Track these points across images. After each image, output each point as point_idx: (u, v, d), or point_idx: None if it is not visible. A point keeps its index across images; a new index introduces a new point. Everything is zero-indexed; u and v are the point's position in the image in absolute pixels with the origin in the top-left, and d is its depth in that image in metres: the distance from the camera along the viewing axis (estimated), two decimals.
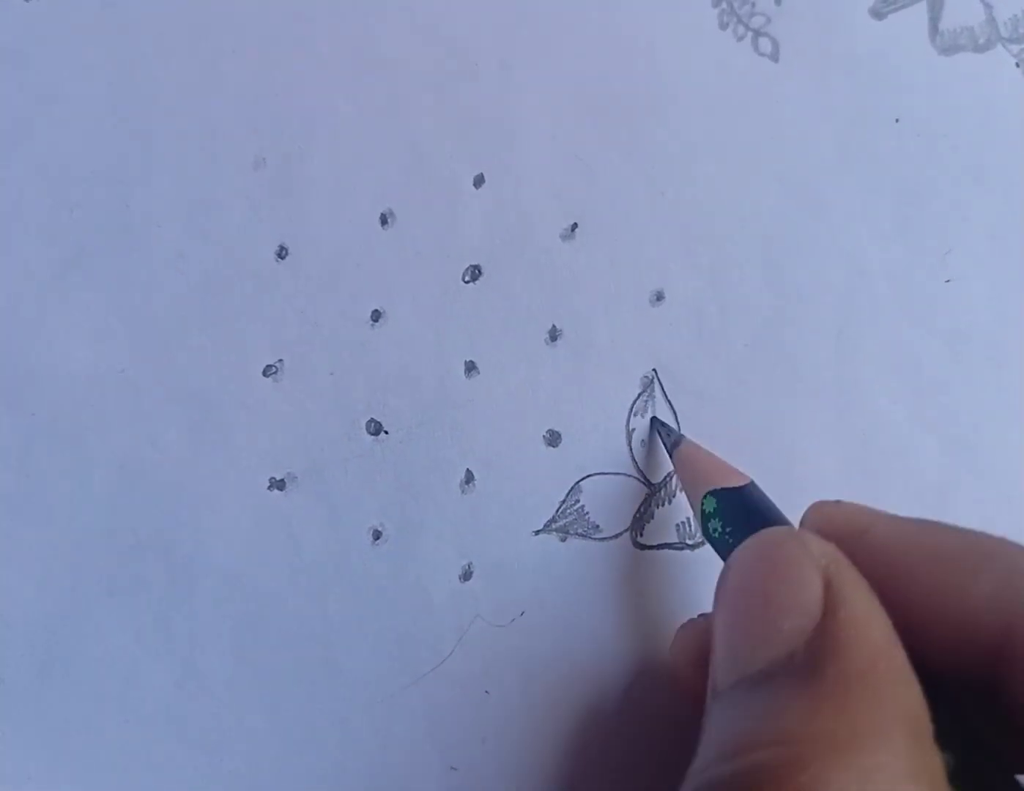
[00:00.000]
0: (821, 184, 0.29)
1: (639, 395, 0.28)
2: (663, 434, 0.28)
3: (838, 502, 0.23)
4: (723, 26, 0.29)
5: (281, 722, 0.27)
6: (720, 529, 0.24)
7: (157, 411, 0.28)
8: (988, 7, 0.30)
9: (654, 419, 0.28)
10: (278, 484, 0.27)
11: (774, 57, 0.29)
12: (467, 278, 0.28)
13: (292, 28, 0.28)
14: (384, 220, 0.28)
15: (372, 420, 0.28)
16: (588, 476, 0.28)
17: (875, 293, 0.29)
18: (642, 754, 0.27)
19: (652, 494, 0.28)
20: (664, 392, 0.28)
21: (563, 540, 0.28)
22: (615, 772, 0.27)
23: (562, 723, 0.27)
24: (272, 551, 0.27)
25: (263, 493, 0.27)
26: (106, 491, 0.27)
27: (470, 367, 0.28)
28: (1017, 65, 0.30)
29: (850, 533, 0.21)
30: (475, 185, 0.28)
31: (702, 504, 0.25)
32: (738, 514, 0.24)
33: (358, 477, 0.27)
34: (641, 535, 0.28)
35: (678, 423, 0.28)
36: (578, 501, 0.28)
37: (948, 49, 0.30)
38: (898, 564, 0.21)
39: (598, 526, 0.28)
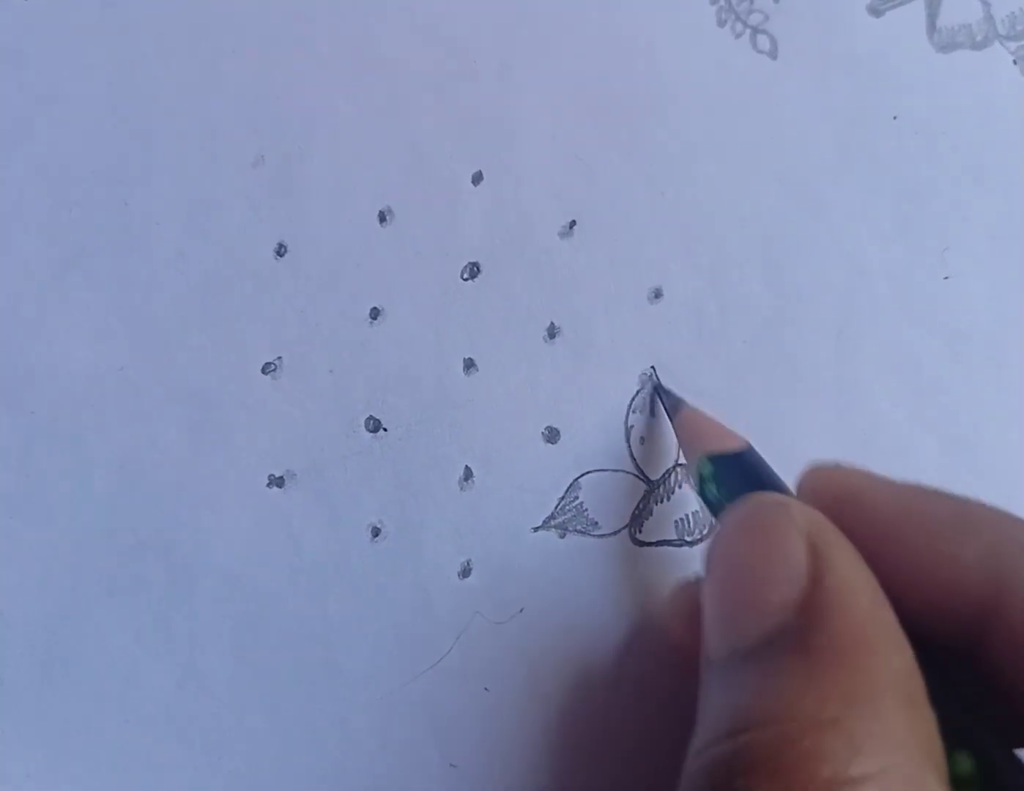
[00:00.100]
0: (820, 181, 0.29)
1: (638, 392, 0.28)
2: (664, 400, 0.28)
3: (833, 465, 0.23)
4: (721, 23, 0.29)
5: (281, 720, 0.27)
6: (716, 493, 0.24)
7: (156, 409, 0.28)
8: (986, 4, 0.30)
9: (657, 386, 0.28)
10: (277, 482, 0.27)
11: (772, 54, 0.29)
12: (466, 276, 0.28)
13: (292, 27, 0.29)
14: (383, 218, 0.28)
15: (371, 418, 0.28)
16: (587, 473, 0.28)
17: (874, 291, 0.29)
18: (642, 749, 0.27)
19: (651, 491, 0.28)
20: (663, 389, 0.28)
21: (562, 537, 0.28)
22: (615, 767, 0.27)
23: (562, 719, 0.27)
24: (271, 549, 0.27)
25: (262, 491, 0.27)
26: (106, 490, 0.27)
27: (469, 365, 0.28)
28: (1015, 62, 0.30)
29: (842, 497, 0.21)
30: (474, 183, 0.28)
31: (698, 466, 0.24)
32: (734, 478, 0.24)
33: (357, 475, 0.27)
34: (640, 532, 0.28)
35: (671, 416, 0.28)
36: (577, 498, 0.28)
37: (946, 46, 0.30)
38: (889, 528, 0.21)
39: (597, 523, 0.28)
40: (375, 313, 0.28)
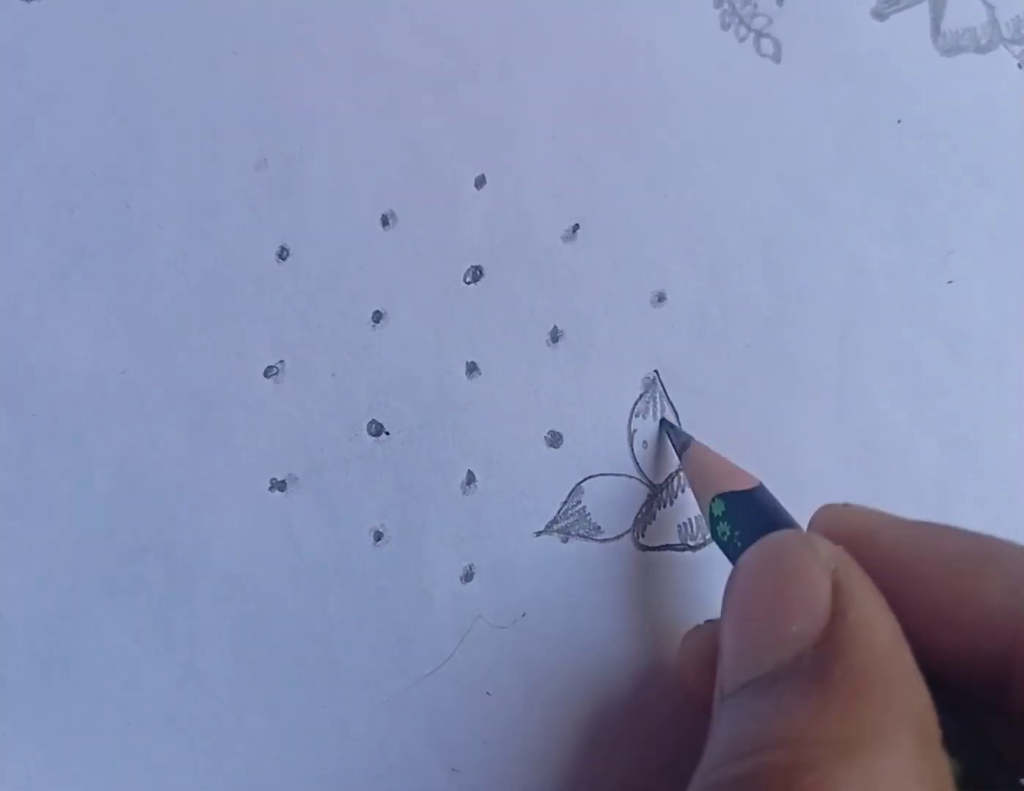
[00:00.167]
0: (822, 185, 0.29)
1: (641, 396, 0.28)
2: (672, 436, 0.28)
3: (846, 505, 0.23)
4: (725, 27, 0.29)
5: (282, 723, 0.27)
6: (729, 532, 0.24)
7: (157, 412, 0.28)
8: (990, 8, 0.30)
9: (663, 421, 0.28)
10: (279, 485, 0.27)
11: (776, 58, 0.29)
12: (468, 279, 0.28)
13: (293, 29, 0.28)
14: (385, 221, 0.28)
15: (373, 421, 0.28)
16: (589, 477, 0.28)
17: (876, 294, 0.29)
18: (644, 755, 0.27)
19: (654, 495, 0.28)
20: (666, 393, 0.28)
21: (564, 541, 0.28)
22: (617, 773, 0.27)
23: (563, 724, 0.27)
24: (273, 552, 0.27)
25: (264, 494, 0.27)
26: (106, 491, 0.27)
27: (471, 368, 0.28)
28: (1019, 66, 0.30)
29: (858, 536, 0.21)
30: (476, 186, 0.28)
31: (711, 507, 0.25)
32: (747, 517, 0.24)
33: (359, 478, 0.27)
34: (643, 536, 0.28)
35: (679, 424, 0.28)
36: (579, 502, 0.28)
37: (950, 50, 0.30)
38: (906, 568, 0.21)
39: (600, 527, 0.28)
40: (377, 316, 0.28)
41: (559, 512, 0.28)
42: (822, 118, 0.29)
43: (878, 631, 0.18)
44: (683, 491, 0.28)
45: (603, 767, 0.27)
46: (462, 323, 0.28)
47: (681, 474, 0.28)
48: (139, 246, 0.28)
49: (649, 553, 0.28)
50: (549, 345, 0.28)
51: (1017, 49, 0.30)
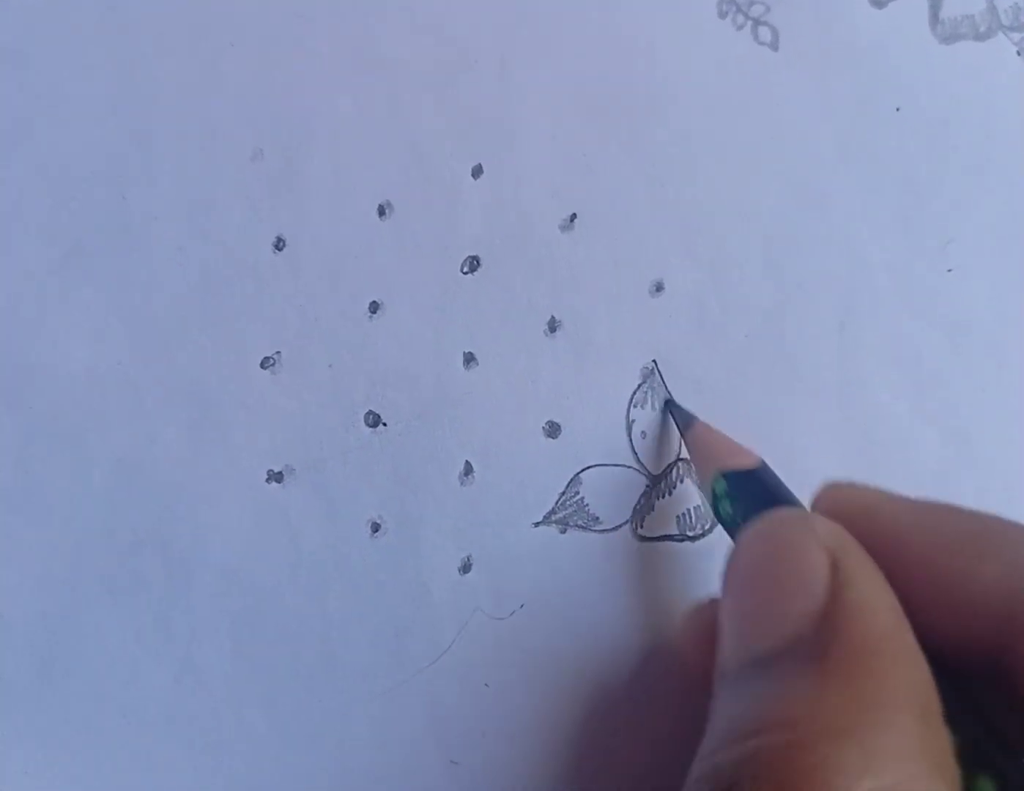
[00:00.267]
0: (821, 174, 0.29)
1: (639, 386, 0.28)
2: (675, 415, 0.28)
3: (849, 482, 0.23)
4: (722, 15, 0.29)
5: (280, 717, 0.27)
6: (731, 511, 0.24)
7: (155, 406, 0.28)
8: None
9: (668, 401, 0.28)
10: (276, 477, 0.27)
11: (774, 46, 0.29)
12: (466, 269, 0.28)
13: (291, 25, 0.29)
14: (382, 212, 0.28)
15: (371, 412, 0.28)
16: (588, 468, 0.28)
17: (875, 285, 0.29)
18: (644, 745, 0.27)
19: (652, 486, 0.28)
20: (664, 383, 0.28)
21: (563, 532, 0.28)
22: (617, 764, 0.27)
23: (563, 715, 0.27)
24: (270, 545, 0.27)
25: (261, 486, 0.27)
26: (105, 488, 0.27)
27: (469, 359, 0.28)
28: (1018, 53, 0.30)
29: (859, 514, 0.21)
30: (474, 176, 0.28)
31: (713, 485, 0.24)
32: (748, 495, 0.24)
33: (357, 470, 0.27)
34: (641, 527, 0.28)
35: (683, 433, 0.28)
36: (578, 493, 0.28)
37: (949, 38, 0.30)
38: (907, 545, 0.20)
39: (598, 518, 0.28)
40: (374, 307, 0.28)
41: (557, 503, 0.28)
42: (820, 106, 0.29)
43: (877, 609, 0.18)
44: (682, 482, 0.28)
45: (603, 757, 0.27)
46: (460, 314, 0.28)
47: (680, 464, 0.28)
48: (137, 241, 0.28)
49: (648, 544, 0.28)
50: (547, 335, 0.28)
51: (1016, 36, 0.30)
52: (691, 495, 0.28)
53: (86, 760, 0.27)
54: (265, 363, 0.28)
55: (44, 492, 0.27)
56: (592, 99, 0.29)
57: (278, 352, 0.28)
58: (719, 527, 0.27)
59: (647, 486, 0.28)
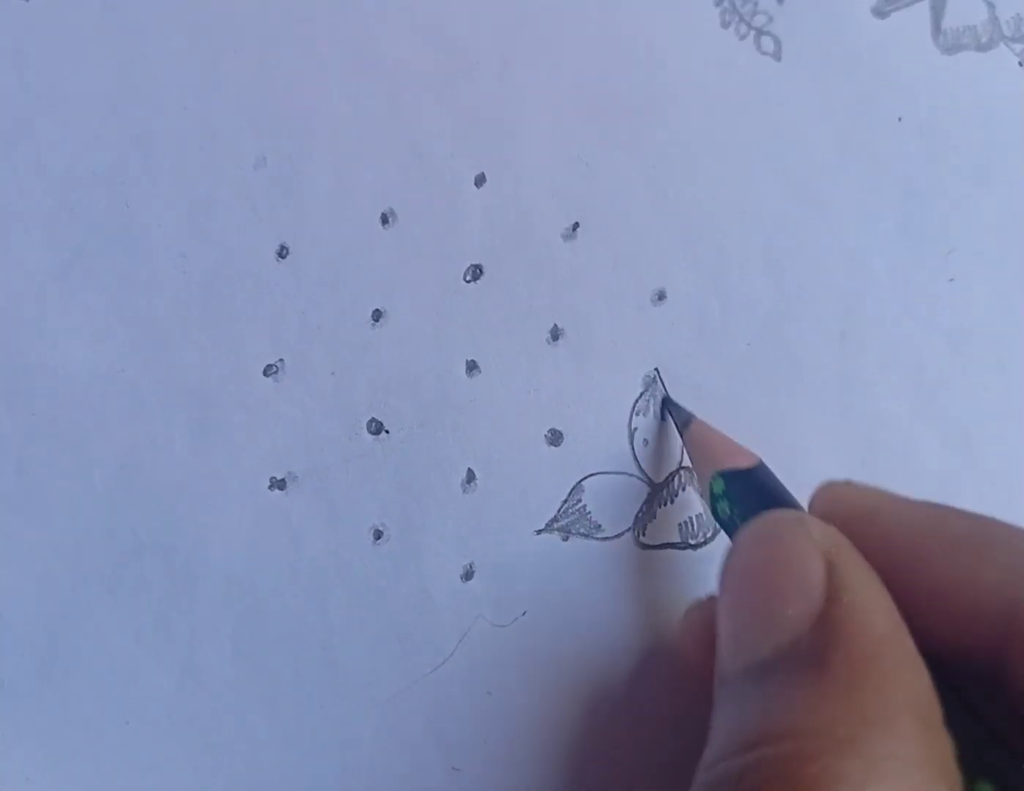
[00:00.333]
0: (823, 183, 0.29)
1: (641, 394, 0.28)
2: (673, 414, 0.28)
3: (847, 482, 0.23)
4: (725, 25, 0.29)
5: (282, 723, 0.27)
6: (729, 511, 0.24)
7: (157, 411, 0.27)
8: (991, 6, 0.30)
9: (665, 399, 0.28)
10: (279, 484, 0.27)
11: (776, 56, 0.29)
12: (468, 277, 0.28)
13: (292, 28, 0.28)
14: (385, 219, 0.28)
15: (373, 420, 0.28)
16: (590, 475, 0.28)
17: (877, 291, 0.29)
18: (646, 752, 0.27)
19: (654, 493, 0.28)
20: (666, 391, 0.28)
21: (565, 540, 0.28)
22: (618, 771, 0.27)
23: (564, 723, 0.27)
24: (272, 551, 0.27)
25: (264, 493, 0.27)
26: (106, 491, 0.27)
27: (471, 366, 0.28)
28: (1020, 64, 0.30)
29: (857, 514, 0.21)
30: (476, 184, 0.28)
31: (711, 485, 0.24)
32: (746, 495, 0.23)
33: (359, 477, 0.27)
34: (643, 534, 0.28)
35: (681, 431, 0.28)
36: (580, 500, 0.28)
37: (951, 48, 0.30)
38: (905, 547, 0.20)
39: (600, 526, 0.28)
40: (377, 315, 0.28)
41: (559, 510, 0.28)
42: (823, 116, 0.29)
43: (875, 613, 0.18)
44: (684, 489, 0.28)
45: (605, 765, 0.27)
46: (462, 321, 0.28)
47: (682, 472, 0.28)
48: (139, 246, 0.28)
49: (650, 551, 0.28)
50: (549, 343, 0.28)
51: (1018, 47, 0.30)
52: (693, 503, 0.28)
53: (87, 762, 0.27)
54: (268, 370, 0.28)
55: (45, 494, 0.27)
56: (594, 107, 0.29)
57: (281, 359, 0.28)
58: (721, 535, 0.27)
59: (649, 494, 0.28)
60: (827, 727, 0.17)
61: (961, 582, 0.20)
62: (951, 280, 0.29)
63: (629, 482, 0.28)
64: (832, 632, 0.18)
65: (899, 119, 0.29)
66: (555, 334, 0.28)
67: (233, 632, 0.27)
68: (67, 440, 0.27)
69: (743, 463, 0.24)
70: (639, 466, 0.28)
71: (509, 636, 0.27)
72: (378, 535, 0.27)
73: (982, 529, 0.20)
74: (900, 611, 0.19)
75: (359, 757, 0.27)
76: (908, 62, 0.29)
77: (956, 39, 0.30)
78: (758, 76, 0.29)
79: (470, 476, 0.28)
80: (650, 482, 0.28)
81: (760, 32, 0.29)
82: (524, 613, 0.27)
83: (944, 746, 0.17)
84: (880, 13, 0.29)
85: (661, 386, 0.28)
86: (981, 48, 0.30)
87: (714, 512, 0.25)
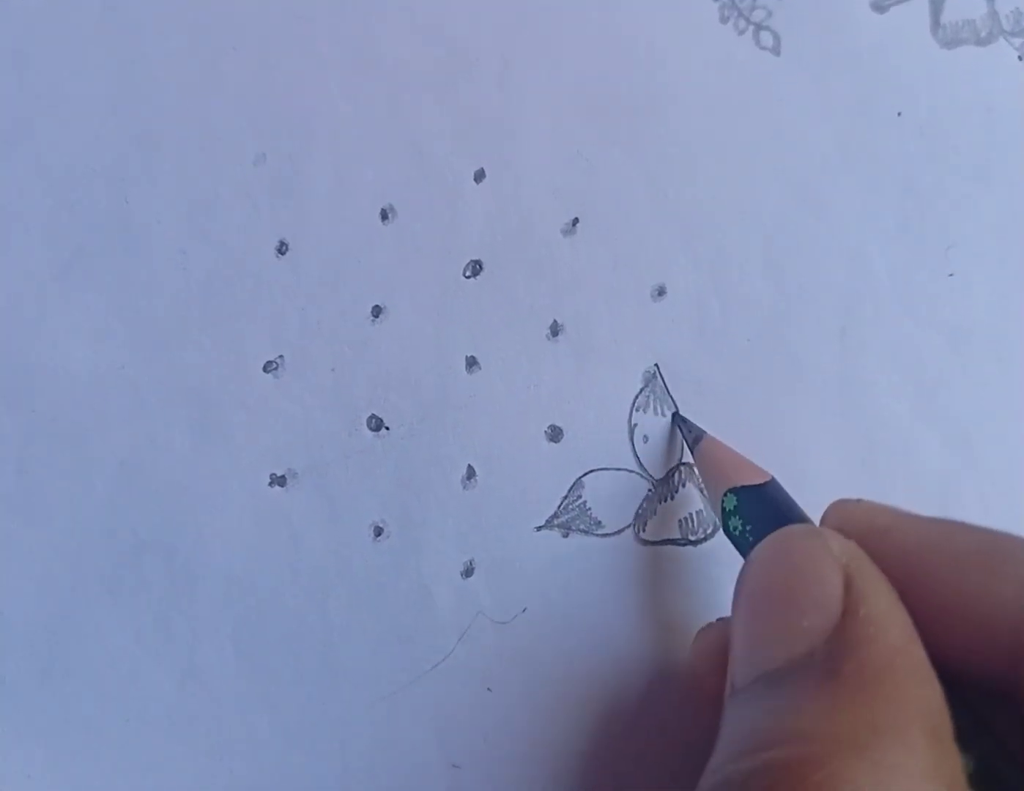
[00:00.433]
0: (822, 178, 0.29)
1: (641, 390, 0.28)
2: (683, 430, 0.28)
3: (859, 501, 0.23)
4: (724, 20, 0.29)
5: (282, 720, 0.27)
6: (741, 527, 0.24)
7: (157, 408, 0.27)
8: (990, 0, 0.30)
9: (675, 415, 0.28)
10: (279, 481, 0.27)
11: (775, 51, 0.29)
12: (468, 273, 0.28)
13: (292, 26, 0.28)
14: (385, 216, 0.28)
15: (373, 416, 0.28)
16: (590, 472, 0.28)
17: (877, 289, 0.29)
18: (647, 750, 0.27)
19: (655, 490, 0.28)
20: (666, 387, 0.28)
21: (565, 536, 0.28)
22: (618, 768, 0.27)
23: (564, 720, 0.27)
24: (273, 548, 0.27)
25: (264, 490, 0.27)
26: (106, 490, 0.27)
27: (471, 363, 0.28)
28: (1020, 58, 0.30)
29: (871, 532, 0.21)
30: (476, 180, 0.28)
31: (723, 502, 0.24)
32: (759, 512, 0.24)
33: (359, 473, 0.27)
34: (644, 531, 0.28)
35: (691, 448, 0.28)
36: (580, 497, 0.28)
37: (950, 42, 0.30)
38: (919, 564, 0.20)
39: (600, 522, 0.28)
40: (377, 311, 0.28)
41: (560, 507, 0.28)
42: (822, 111, 0.29)
43: (890, 626, 0.18)
44: (684, 486, 0.28)
45: (605, 762, 0.27)
46: (462, 318, 0.28)
47: (682, 468, 0.28)
48: (139, 244, 0.28)
49: (650, 548, 0.28)
50: (549, 339, 0.28)
51: (1017, 41, 0.30)
52: (693, 499, 0.28)
53: (87, 762, 0.27)
54: (268, 367, 0.28)
55: (45, 494, 0.27)
56: (594, 103, 0.29)
57: (281, 356, 0.28)
58: (721, 532, 0.27)
59: (649, 490, 0.28)
60: (836, 734, 0.17)
61: (974, 598, 0.20)
62: (951, 275, 0.29)
63: (629, 478, 0.28)
64: (847, 644, 0.18)
65: (899, 114, 0.29)
66: (555, 330, 0.28)
67: (233, 630, 0.27)
68: (67, 439, 0.27)
69: (755, 480, 0.24)
70: (639, 462, 0.28)
71: (509, 633, 0.27)
72: (378, 532, 0.27)
73: (994, 544, 0.20)
74: (914, 625, 0.19)
75: (359, 754, 0.27)
76: (907, 57, 0.29)
77: (955, 33, 0.30)
78: (757, 71, 0.29)
79: (470, 472, 0.27)
80: (650, 478, 0.28)
81: (759, 27, 0.29)
82: (524, 610, 0.27)
83: (953, 759, 0.17)
84: (879, 8, 0.29)
85: (661, 383, 0.28)
86: (980, 42, 0.30)
87: (725, 529, 0.25)
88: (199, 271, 0.28)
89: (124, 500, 0.27)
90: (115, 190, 0.28)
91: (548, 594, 0.27)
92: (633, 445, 0.28)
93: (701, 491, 0.28)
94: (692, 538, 0.28)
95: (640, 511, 0.28)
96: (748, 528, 0.23)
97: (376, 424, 0.28)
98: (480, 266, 0.28)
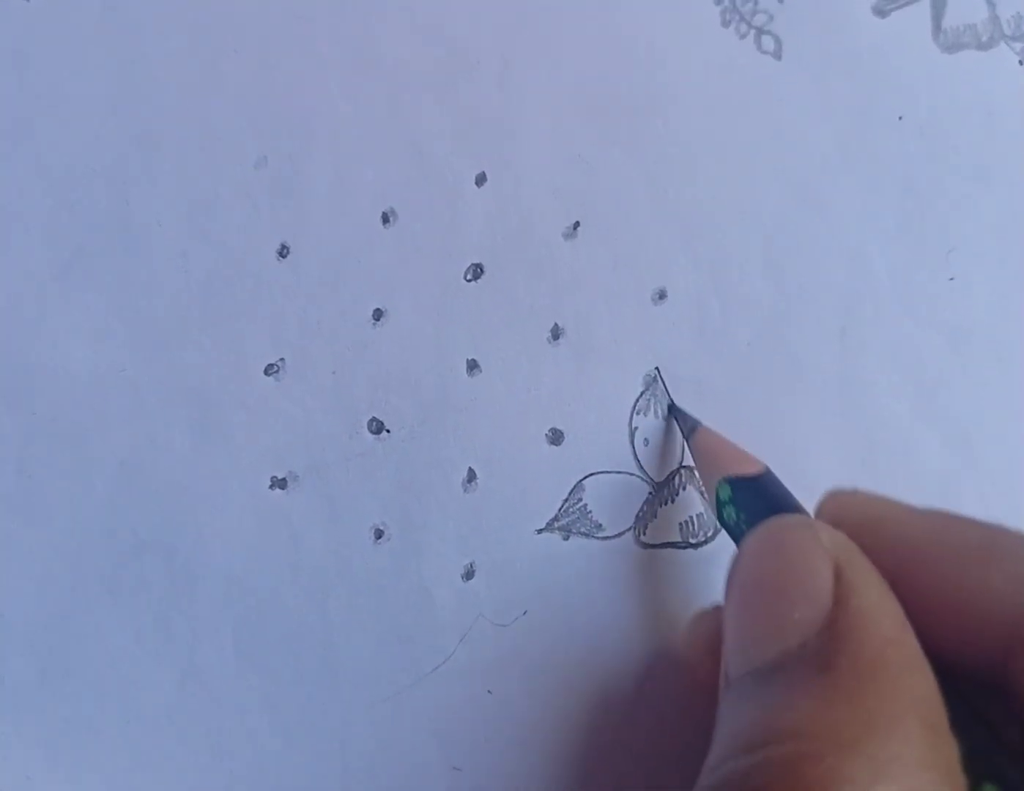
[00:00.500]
0: (823, 182, 0.29)
1: (642, 393, 0.28)
2: (679, 420, 0.28)
3: (854, 490, 0.23)
4: (725, 24, 0.29)
5: (283, 722, 0.27)
6: (735, 516, 0.24)
7: (158, 410, 0.27)
8: (991, 5, 0.30)
9: (671, 406, 0.28)
10: (279, 483, 0.27)
11: (777, 55, 0.29)
12: (469, 276, 0.28)
13: (293, 28, 0.28)
14: (386, 219, 0.28)
15: (374, 419, 0.28)
16: (591, 475, 0.28)
17: (877, 290, 0.29)
18: (647, 752, 0.27)
19: (655, 493, 0.28)
20: (667, 390, 0.28)
21: (566, 539, 0.28)
22: (619, 770, 0.27)
23: (565, 722, 0.27)
24: (273, 551, 0.27)
25: (264, 492, 0.27)
26: (106, 491, 0.27)
27: (472, 366, 0.28)
28: (1020, 63, 0.30)
29: (864, 522, 0.21)
30: (477, 184, 0.28)
31: (717, 491, 0.24)
32: (753, 502, 0.24)
33: (360, 476, 0.27)
34: (644, 534, 0.28)
35: (687, 438, 0.28)
36: (580, 500, 0.28)
37: (951, 47, 0.30)
38: (912, 554, 0.20)
39: (601, 525, 0.28)
40: (378, 314, 0.28)
41: (560, 510, 0.28)
42: (823, 115, 0.29)
43: (882, 618, 0.18)
44: (684, 489, 0.28)
45: (605, 764, 0.27)
46: (463, 320, 0.28)
47: (682, 471, 0.28)
48: (140, 245, 0.28)
49: (651, 551, 0.28)
50: (550, 342, 0.28)
51: (1018, 46, 0.30)
52: (694, 502, 0.28)
53: (87, 762, 0.27)
54: (269, 369, 0.28)
55: (45, 494, 0.27)
56: (595, 106, 0.29)
57: (282, 358, 0.28)
58: (722, 534, 0.27)
59: (650, 493, 0.28)
60: (832, 729, 0.17)
61: (968, 589, 0.20)
62: (951, 279, 0.29)
63: (630, 481, 0.28)
64: (839, 636, 0.18)
65: (899, 118, 0.29)
66: (556, 333, 0.28)
67: (234, 631, 0.27)
68: (67, 440, 0.27)
69: (750, 470, 0.24)
70: (640, 465, 0.28)
71: (510, 636, 0.27)
72: (379, 534, 0.27)
73: (990, 537, 0.20)
74: (909, 618, 0.19)
75: (360, 756, 0.27)
76: (908, 61, 0.29)
77: (956, 38, 0.30)
78: (758, 75, 0.29)
79: (471, 475, 0.28)
80: (651, 481, 0.28)
81: (760, 31, 0.29)
82: (525, 612, 0.27)
83: (949, 749, 0.17)
84: (880, 12, 0.30)
85: (662, 386, 0.28)
86: (982, 47, 0.30)
87: (720, 518, 0.25)
88: (200, 272, 0.28)
89: (124, 500, 0.27)
90: (115, 191, 0.28)
91: (549, 597, 0.27)
92: (634, 448, 0.28)
93: (702, 494, 0.28)
94: (693, 541, 0.28)
95: (640, 514, 0.28)
96: (742, 518, 0.23)
97: (377, 426, 0.28)
98: (481, 269, 0.28)
